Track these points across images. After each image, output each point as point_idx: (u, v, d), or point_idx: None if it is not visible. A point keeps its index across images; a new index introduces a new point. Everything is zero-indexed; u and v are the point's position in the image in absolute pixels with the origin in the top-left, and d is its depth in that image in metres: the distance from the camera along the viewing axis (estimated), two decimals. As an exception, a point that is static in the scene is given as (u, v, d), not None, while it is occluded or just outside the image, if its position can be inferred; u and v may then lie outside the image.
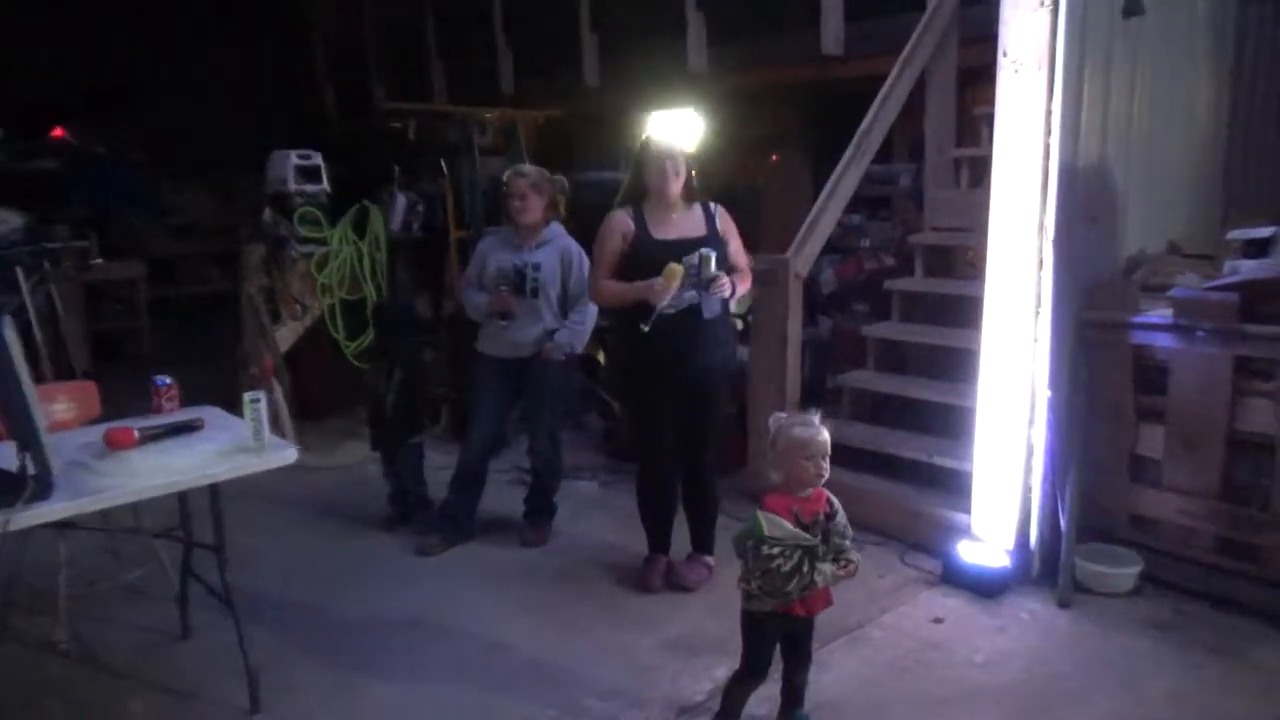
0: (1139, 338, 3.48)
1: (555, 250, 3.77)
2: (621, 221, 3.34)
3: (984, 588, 3.43)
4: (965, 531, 3.62)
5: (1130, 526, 3.56)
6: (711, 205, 3.41)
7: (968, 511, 3.64)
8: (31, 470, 2.26)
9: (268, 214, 5.09)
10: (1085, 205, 3.52)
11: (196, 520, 2.99)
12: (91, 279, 7.17)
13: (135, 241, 8.66)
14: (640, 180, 3.33)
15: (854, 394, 4.50)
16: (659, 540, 3.58)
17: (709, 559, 3.55)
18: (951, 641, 3.13)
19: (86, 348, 6.77)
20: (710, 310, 3.25)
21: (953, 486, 3.84)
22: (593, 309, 3.78)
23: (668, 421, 3.40)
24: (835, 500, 2.50)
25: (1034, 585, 3.46)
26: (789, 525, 2.36)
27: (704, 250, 3.14)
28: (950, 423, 4.03)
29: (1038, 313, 3.38)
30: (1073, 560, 3.39)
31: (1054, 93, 3.29)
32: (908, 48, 4.49)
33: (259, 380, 5.01)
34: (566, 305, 3.81)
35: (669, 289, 3.10)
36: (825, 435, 2.45)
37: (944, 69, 4.73)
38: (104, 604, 3.40)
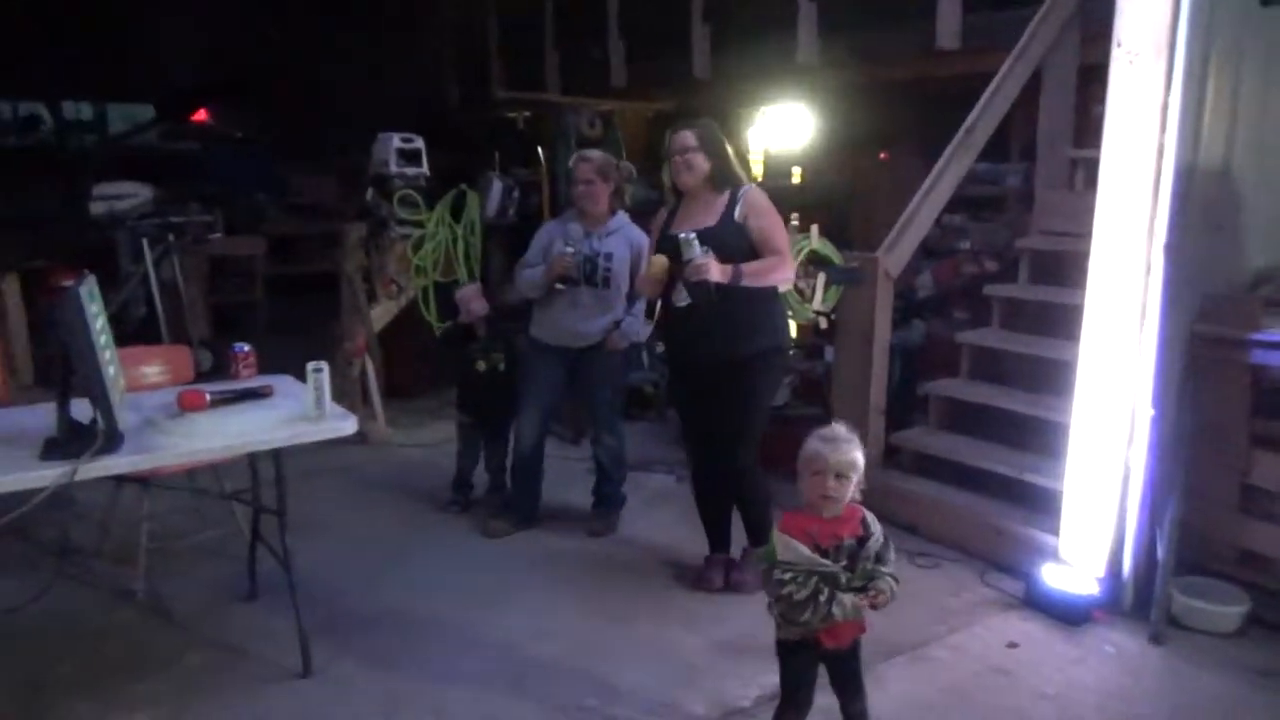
0: (1258, 357, 3.19)
1: (624, 240, 3.72)
2: (658, 219, 3.40)
3: (1068, 615, 3.21)
4: (1052, 554, 3.39)
5: (1238, 563, 3.27)
6: (741, 189, 3.24)
7: (1056, 533, 3.41)
8: (101, 425, 2.36)
9: (370, 195, 5.22)
10: (1204, 211, 3.25)
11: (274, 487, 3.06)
12: (214, 253, 7.55)
13: (257, 220, 9.07)
14: None
15: (944, 403, 4.29)
16: (714, 538, 3.49)
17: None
18: (1023, 669, 2.93)
19: (206, 318, 7.13)
20: (684, 298, 3.11)
21: (1042, 506, 3.61)
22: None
23: (694, 414, 3.39)
24: (873, 523, 2.24)
25: (1124, 617, 3.22)
26: (804, 549, 2.14)
27: (682, 235, 3.02)
28: (1045, 438, 3.79)
29: (1143, 323, 3.14)
30: (1169, 593, 3.13)
31: (1172, 86, 3.04)
32: (1022, 40, 4.25)
33: (353, 356, 5.16)
34: (631, 294, 3.76)
35: (650, 280, 3.23)
36: (844, 453, 2.17)
37: (1062, 64, 4.46)
38: (182, 560, 3.55)
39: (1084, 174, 4.48)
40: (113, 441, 2.37)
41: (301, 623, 2.80)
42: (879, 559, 2.22)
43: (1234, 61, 3.27)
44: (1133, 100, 3.09)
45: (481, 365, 4.05)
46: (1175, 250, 3.09)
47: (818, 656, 2.26)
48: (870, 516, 2.25)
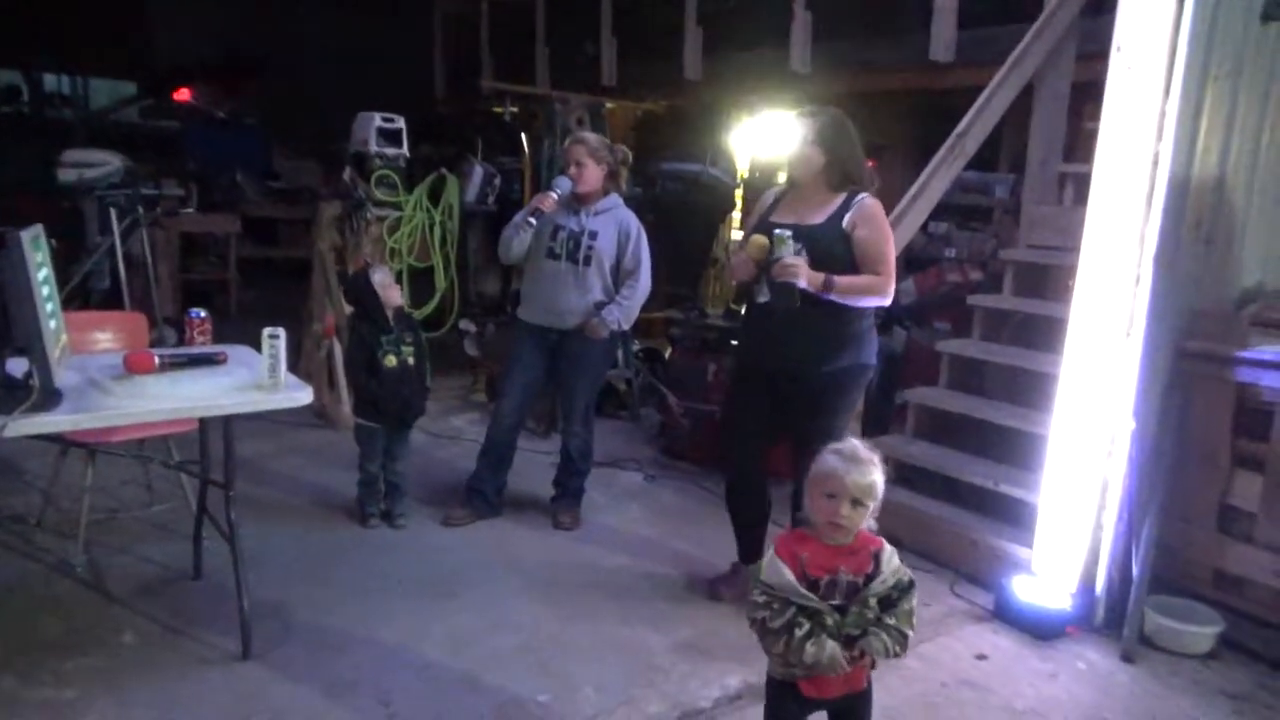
0: (1244, 375, 3.13)
1: (613, 221, 3.62)
2: (765, 199, 3.17)
3: (1038, 629, 3.13)
4: (1025, 567, 3.32)
5: (1213, 583, 3.20)
6: (859, 196, 2.96)
7: (1030, 546, 3.34)
8: (36, 380, 2.23)
9: (347, 173, 5.09)
10: (1197, 224, 3.19)
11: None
12: (186, 229, 7.39)
13: (236, 200, 8.90)
14: None
15: (921, 412, 4.21)
16: (746, 548, 3.25)
17: None
18: (993, 682, 2.85)
19: (174, 295, 6.97)
20: (765, 294, 2.93)
21: (1017, 518, 3.55)
22: (643, 287, 3.64)
23: (751, 419, 3.13)
24: (889, 561, 1.91)
25: (1095, 634, 3.15)
26: (788, 574, 1.86)
27: (777, 231, 2.85)
28: (1023, 451, 3.72)
29: (1128, 335, 3.07)
30: (1142, 611, 3.06)
31: (1170, 95, 2.99)
32: (1015, 53, 4.19)
33: (321, 338, 5.02)
34: (618, 280, 3.65)
35: (746, 260, 2.91)
36: (865, 475, 1.88)
37: (1055, 80, 4.41)
38: (127, 534, 3.41)
39: (1073, 189, 4.44)
40: (48, 398, 2.24)
41: (244, 603, 2.67)
42: (887, 606, 1.90)
43: (1233, 75, 3.22)
44: (1129, 108, 3.04)
45: (392, 361, 3.67)
46: (1164, 263, 3.04)
47: (804, 704, 1.99)
48: (889, 554, 1.94)
